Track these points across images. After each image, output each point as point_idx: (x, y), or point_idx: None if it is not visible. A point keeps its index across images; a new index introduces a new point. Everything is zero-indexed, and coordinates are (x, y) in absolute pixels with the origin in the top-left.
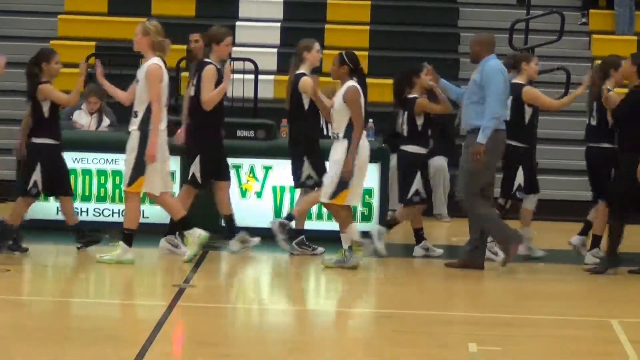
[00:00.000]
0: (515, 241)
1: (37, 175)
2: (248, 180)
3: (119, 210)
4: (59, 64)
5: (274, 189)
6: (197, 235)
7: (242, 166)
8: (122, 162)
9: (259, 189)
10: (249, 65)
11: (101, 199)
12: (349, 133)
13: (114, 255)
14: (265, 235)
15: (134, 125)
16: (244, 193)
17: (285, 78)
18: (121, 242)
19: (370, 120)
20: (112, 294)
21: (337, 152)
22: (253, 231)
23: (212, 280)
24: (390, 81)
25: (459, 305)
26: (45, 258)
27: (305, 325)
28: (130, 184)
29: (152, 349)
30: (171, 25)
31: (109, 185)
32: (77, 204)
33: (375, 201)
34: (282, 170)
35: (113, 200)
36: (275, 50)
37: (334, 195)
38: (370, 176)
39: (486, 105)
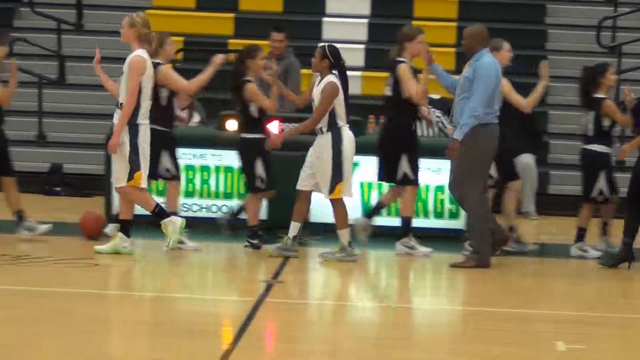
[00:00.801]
0: (483, 262)
1: (260, 170)
2: None
3: (207, 205)
4: (263, 61)
5: (361, 185)
6: (178, 222)
7: None
8: (209, 158)
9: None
10: None
11: (189, 194)
12: (332, 126)
13: (110, 245)
14: (353, 231)
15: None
16: None
17: (373, 74)
18: (119, 233)
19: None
20: (201, 289)
21: (323, 148)
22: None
23: (300, 276)
24: None
25: (544, 303)
26: (134, 252)
27: (392, 322)
28: (129, 180)
29: (241, 344)
30: (258, 21)
31: (197, 181)
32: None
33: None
34: (369, 167)
35: (201, 195)
36: (363, 46)
37: (331, 191)
38: None
39: (470, 101)
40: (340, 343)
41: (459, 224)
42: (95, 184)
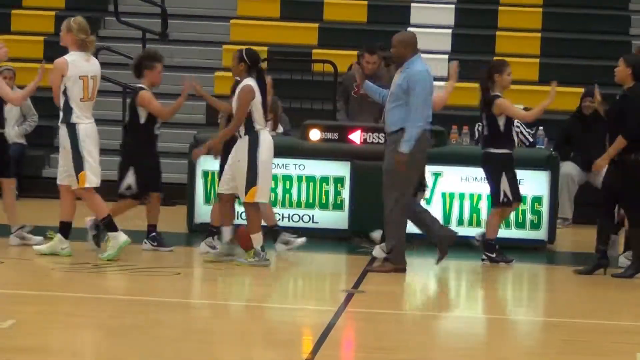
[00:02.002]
0: (398, 265)
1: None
2: None
3: (281, 214)
4: (510, 76)
5: (444, 195)
6: (120, 239)
7: None
8: (291, 167)
9: (428, 195)
10: None
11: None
12: (249, 130)
13: (49, 246)
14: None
15: (59, 120)
16: None
17: (459, 85)
18: (58, 234)
19: (541, 127)
20: (282, 299)
21: (241, 152)
22: (421, 237)
23: (380, 286)
24: (562, 89)
25: (624, 314)
26: (216, 262)
27: (473, 332)
28: (79, 181)
29: (321, 354)
30: (342, 31)
31: (279, 190)
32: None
33: (544, 209)
34: (451, 177)
35: (283, 205)
36: (447, 56)
37: (246, 193)
38: (539, 184)
39: (410, 113)
40: (421, 353)
41: (540, 234)
42: (178, 193)
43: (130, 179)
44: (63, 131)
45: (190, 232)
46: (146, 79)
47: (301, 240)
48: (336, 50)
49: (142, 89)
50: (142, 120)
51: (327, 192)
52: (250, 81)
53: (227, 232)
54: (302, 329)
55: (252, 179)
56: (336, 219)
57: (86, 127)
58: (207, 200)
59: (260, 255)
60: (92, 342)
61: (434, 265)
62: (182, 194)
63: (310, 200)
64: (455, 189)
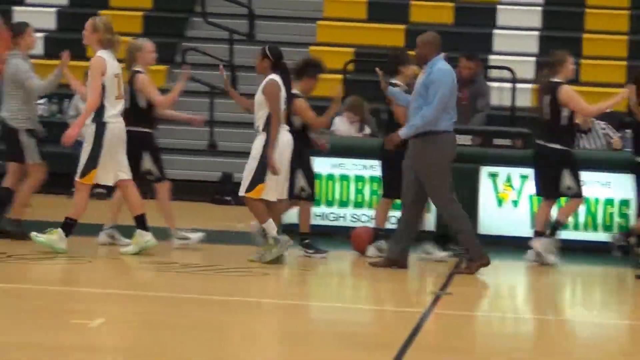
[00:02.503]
0: (480, 259)
1: None
2: (505, 189)
3: (344, 214)
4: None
5: (531, 198)
6: (145, 239)
7: (498, 174)
8: (379, 169)
9: (515, 197)
10: (506, 73)
11: (358, 204)
12: (267, 127)
13: (49, 238)
14: (522, 245)
15: (89, 119)
16: (500, 202)
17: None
18: (59, 229)
19: (628, 130)
20: (369, 300)
21: (255, 146)
22: (508, 240)
23: (469, 287)
24: None
25: None
26: (302, 263)
27: (558, 335)
28: (82, 175)
29: (408, 356)
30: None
31: (366, 191)
32: (336, 210)
33: (632, 212)
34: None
35: (370, 205)
36: (534, 59)
37: (250, 189)
38: (626, 187)
39: (427, 107)
40: (509, 356)
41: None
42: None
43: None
44: (91, 129)
45: (278, 232)
46: (302, 85)
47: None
48: None
49: (297, 96)
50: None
51: None
52: (275, 76)
53: (270, 226)
54: (389, 330)
55: (259, 176)
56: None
57: (115, 127)
58: None
59: (279, 242)
60: (177, 342)
61: (522, 267)
62: None
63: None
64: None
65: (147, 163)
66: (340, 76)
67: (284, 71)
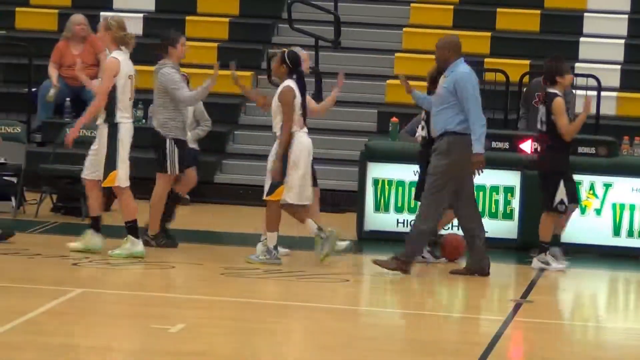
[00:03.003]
0: (406, 264)
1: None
2: (588, 197)
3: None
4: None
5: (614, 206)
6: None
7: (582, 183)
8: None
9: (598, 206)
10: (592, 82)
11: (399, 209)
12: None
13: (124, 249)
14: (604, 253)
15: (100, 119)
16: (583, 210)
17: (629, 95)
18: (129, 236)
19: None
20: (448, 307)
21: (273, 151)
22: (590, 249)
23: (549, 296)
24: None
25: None
26: (384, 269)
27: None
28: (104, 179)
29: None
30: (516, 40)
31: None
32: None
33: None
34: (622, 188)
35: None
36: (619, 67)
37: (270, 192)
38: None
39: (470, 114)
40: None
41: None
42: (348, 200)
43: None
44: (104, 130)
45: (359, 239)
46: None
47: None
48: (508, 60)
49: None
50: None
51: (496, 202)
52: (290, 82)
53: (272, 238)
54: (469, 338)
55: (272, 178)
56: (505, 228)
57: (127, 127)
58: (377, 208)
59: (272, 254)
60: (255, 347)
61: (603, 276)
62: (352, 201)
63: (480, 209)
64: (625, 199)
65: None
66: (425, 83)
67: (300, 77)
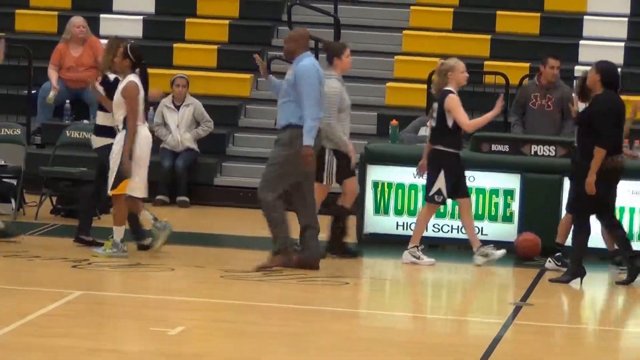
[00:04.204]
0: (285, 255)
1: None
2: None
3: (457, 226)
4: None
5: (621, 209)
6: (111, 248)
7: None
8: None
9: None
10: None
11: (440, 214)
12: (128, 124)
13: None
14: (605, 256)
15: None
16: None
17: (632, 98)
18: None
19: None
20: (448, 310)
21: (118, 144)
22: (593, 252)
23: (550, 299)
24: None
25: None
26: (383, 272)
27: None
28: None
29: None
30: (515, 43)
31: (449, 201)
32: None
33: None
34: (622, 191)
35: (452, 216)
36: (619, 70)
37: (115, 186)
38: None
39: (304, 108)
40: None
41: None
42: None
43: None
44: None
45: (359, 242)
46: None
47: (500, 252)
48: (508, 62)
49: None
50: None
51: (496, 205)
52: (133, 77)
53: (119, 231)
54: (468, 341)
55: (123, 172)
56: (505, 231)
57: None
58: (377, 210)
59: (119, 247)
60: (254, 350)
61: (603, 279)
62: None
63: (480, 212)
64: (625, 203)
65: (440, 182)
66: (424, 86)
67: (143, 72)
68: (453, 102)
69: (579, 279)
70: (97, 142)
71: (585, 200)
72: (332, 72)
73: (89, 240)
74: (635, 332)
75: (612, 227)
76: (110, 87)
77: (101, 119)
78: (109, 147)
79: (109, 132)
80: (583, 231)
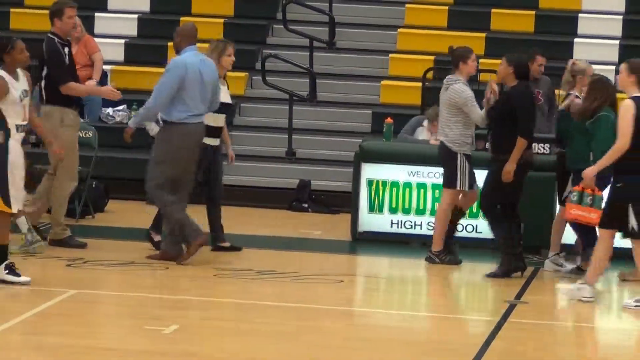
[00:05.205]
0: (197, 237)
1: None
2: None
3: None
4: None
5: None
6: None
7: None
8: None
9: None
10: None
11: (406, 211)
12: (2, 126)
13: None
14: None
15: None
16: None
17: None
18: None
19: None
20: (443, 308)
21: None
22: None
23: (544, 296)
24: None
25: None
26: (378, 270)
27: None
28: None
29: None
30: (510, 41)
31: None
32: (412, 217)
33: None
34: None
35: (417, 213)
36: (614, 67)
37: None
38: None
39: (152, 95)
40: None
41: None
42: (342, 201)
43: None
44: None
45: (354, 240)
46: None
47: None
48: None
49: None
50: None
51: None
52: (2, 72)
53: (23, 222)
54: (464, 339)
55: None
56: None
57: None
58: (371, 209)
59: (27, 241)
60: (249, 349)
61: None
62: (346, 202)
63: (474, 210)
64: None
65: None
66: (419, 84)
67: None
68: None
69: (519, 273)
70: None
71: (497, 191)
72: (458, 77)
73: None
74: (627, 329)
75: (505, 219)
76: None
77: None
78: None
79: None
80: (497, 221)
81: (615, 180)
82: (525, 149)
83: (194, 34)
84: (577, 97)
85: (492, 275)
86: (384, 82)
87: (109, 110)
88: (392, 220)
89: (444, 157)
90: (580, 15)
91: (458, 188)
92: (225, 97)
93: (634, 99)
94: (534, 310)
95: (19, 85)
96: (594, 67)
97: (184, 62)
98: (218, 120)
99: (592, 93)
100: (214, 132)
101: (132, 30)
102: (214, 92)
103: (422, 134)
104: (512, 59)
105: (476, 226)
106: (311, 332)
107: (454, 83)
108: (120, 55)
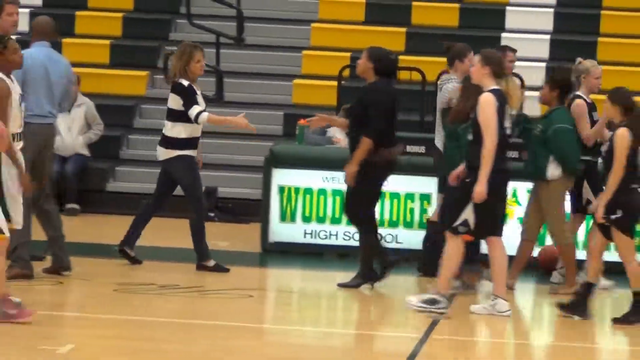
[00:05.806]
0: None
1: None
2: (510, 205)
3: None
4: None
5: None
6: None
7: None
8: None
9: (521, 214)
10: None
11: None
12: None
13: None
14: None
15: None
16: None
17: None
18: None
19: None
20: (361, 324)
21: None
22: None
23: (467, 312)
24: None
25: None
26: (290, 284)
27: None
28: None
29: None
30: (432, 36)
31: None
32: (327, 227)
33: None
34: None
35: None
36: (544, 64)
37: None
38: None
39: None
40: None
41: None
42: (251, 209)
43: None
44: None
45: (264, 251)
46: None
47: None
48: (425, 57)
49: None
50: None
51: (412, 210)
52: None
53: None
54: (383, 357)
55: None
56: (421, 239)
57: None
58: (283, 218)
59: None
60: None
61: (525, 290)
62: (256, 210)
63: (394, 219)
64: None
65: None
66: (335, 83)
67: None
68: None
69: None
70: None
71: (356, 197)
72: (451, 76)
73: None
74: (554, 344)
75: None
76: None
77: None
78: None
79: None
80: (365, 230)
81: (467, 176)
82: (392, 148)
83: (47, 29)
84: (579, 97)
85: (343, 285)
86: (296, 81)
87: None
88: (305, 230)
89: (439, 163)
90: (508, 8)
91: None
92: (201, 103)
93: (493, 92)
94: (456, 326)
95: (16, 88)
96: (523, 63)
97: (34, 57)
98: (196, 130)
99: (466, 92)
100: (193, 142)
101: (116, 30)
102: (63, 92)
103: (339, 134)
104: (374, 54)
105: (396, 236)
106: (219, 350)
107: (447, 83)
108: (105, 57)
